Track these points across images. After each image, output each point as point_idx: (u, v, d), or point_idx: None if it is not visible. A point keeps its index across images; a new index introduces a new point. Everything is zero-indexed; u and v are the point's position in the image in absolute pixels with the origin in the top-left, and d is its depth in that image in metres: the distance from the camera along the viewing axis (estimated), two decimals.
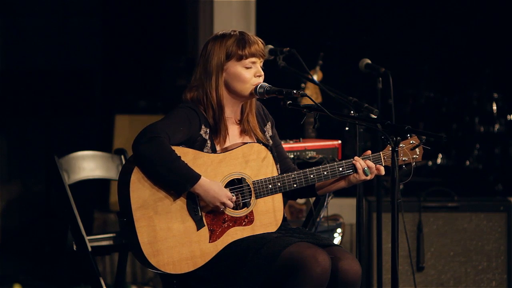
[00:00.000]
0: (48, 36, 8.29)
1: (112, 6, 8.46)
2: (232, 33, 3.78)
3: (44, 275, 6.96)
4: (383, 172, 3.85)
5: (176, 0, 8.29)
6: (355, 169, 3.83)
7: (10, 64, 8.01)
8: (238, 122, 3.86)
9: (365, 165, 3.82)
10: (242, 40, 3.75)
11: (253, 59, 3.77)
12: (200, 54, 3.81)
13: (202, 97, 3.77)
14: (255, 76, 3.77)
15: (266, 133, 3.92)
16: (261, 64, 3.82)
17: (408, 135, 3.88)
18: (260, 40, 3.81)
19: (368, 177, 3.84)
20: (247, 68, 3.77)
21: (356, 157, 3.84)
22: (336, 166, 3.83)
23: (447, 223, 5.80)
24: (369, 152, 3.88)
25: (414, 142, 3.90)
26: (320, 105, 3.80)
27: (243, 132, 3.86)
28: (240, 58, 3.75)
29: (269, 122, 3.95)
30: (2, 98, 7.26)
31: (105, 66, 8.39)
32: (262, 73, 3.80)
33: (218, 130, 3.77)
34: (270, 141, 3.91)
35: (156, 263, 3.60)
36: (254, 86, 3.76)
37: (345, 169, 3.84)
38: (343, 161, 3.84)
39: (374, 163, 3.84)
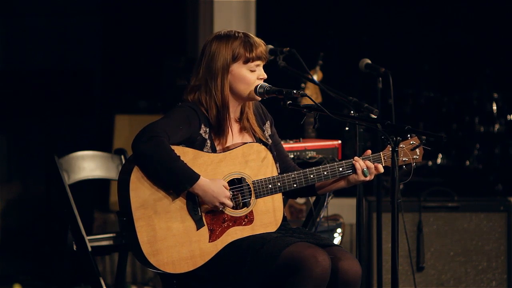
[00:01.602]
0: (48, 36, 8.27)
1: (112, 6, 8.45)
2: (236, 34, 3.78)
3: (44, 275, 6.95)
4: (382, 170, 3.85)
5: (176, 0, 8.28)
6: (354, 170, 3.83)
7: (10, 64, 8.00)
8: (237, 120, 3.86)
9: (365, 166, 3.82)
10: (248, 42, 3.75)
11: (258, 62, 3.78)
12: (202, 54, 3.80)
13: (204, 97, 3.76)
14: (258, 79, 3.79)
15: (265, 132, 3.92)
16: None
17: (409, 135, 3.88)
18: (263, 42, 3.81)
19: (367, 178, 3.84)
20: (252, 71, 3.77)
21: (356, 158, 3.84)
22: (336, 166, 3.83)
23: (447, 223, 5.80)
24: (369, 152, 3.88)
25: (414, 142, 3.90)
26: (320, 105, 3.80)
27: (242, 129, 3.86)
28: (246, 61, 3.76)
29: (268, 121, 3.95)
30: (2, 98, 7.24)
31: (105, 66, 8.37)
32: (265, 76, 3.81)
33: (221, 129, 3.77)
34: (269, 139, 3.91)
35: (156, 263, 3.60)
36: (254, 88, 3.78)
37: (345, 169, 3.84)
38: (343, 161, 3.84)
39: (374, 164, 3.84)
